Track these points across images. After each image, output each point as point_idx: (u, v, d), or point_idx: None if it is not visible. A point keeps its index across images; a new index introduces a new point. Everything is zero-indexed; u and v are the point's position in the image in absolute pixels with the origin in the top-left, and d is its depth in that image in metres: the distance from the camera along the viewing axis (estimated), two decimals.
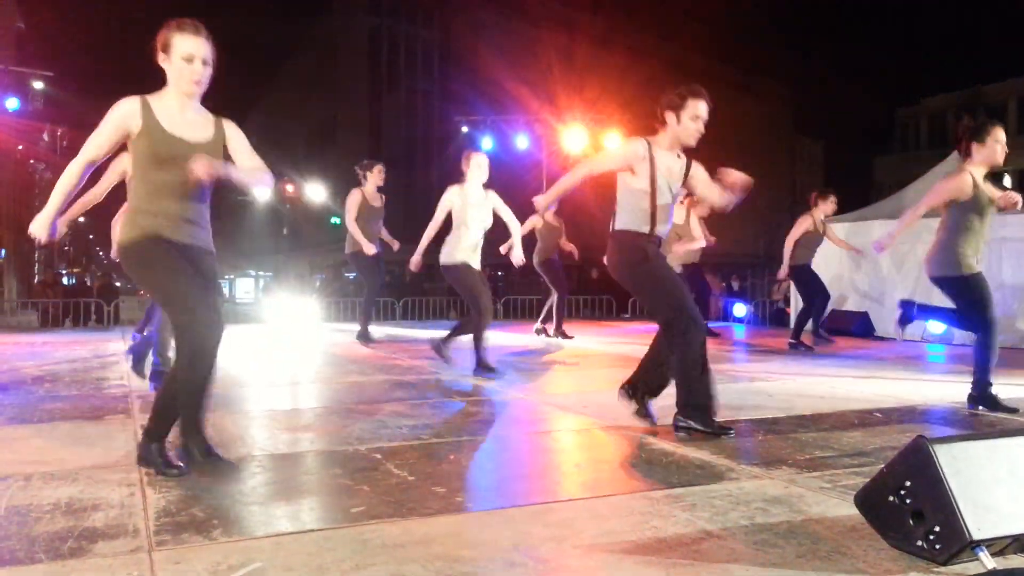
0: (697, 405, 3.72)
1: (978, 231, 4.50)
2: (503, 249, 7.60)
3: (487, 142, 18.10)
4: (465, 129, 18.41)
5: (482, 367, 5.81)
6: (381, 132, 41.53)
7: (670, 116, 3.80)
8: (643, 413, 3.92)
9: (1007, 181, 32.90)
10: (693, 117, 3.77)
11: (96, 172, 4.87)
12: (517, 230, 6.22)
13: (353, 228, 7.79)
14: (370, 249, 7.75)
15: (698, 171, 3.98)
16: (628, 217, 3.85)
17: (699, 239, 9.01)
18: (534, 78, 37.89)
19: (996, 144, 4.44)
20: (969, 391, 4.59)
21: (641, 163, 3.79)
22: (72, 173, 2.91)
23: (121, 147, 3.01)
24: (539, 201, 4.28)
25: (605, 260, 3.99)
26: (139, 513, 2.51)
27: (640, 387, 3.93)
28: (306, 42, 49.05)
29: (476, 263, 5.83)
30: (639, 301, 4.02)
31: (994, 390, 4.51)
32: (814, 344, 8.27)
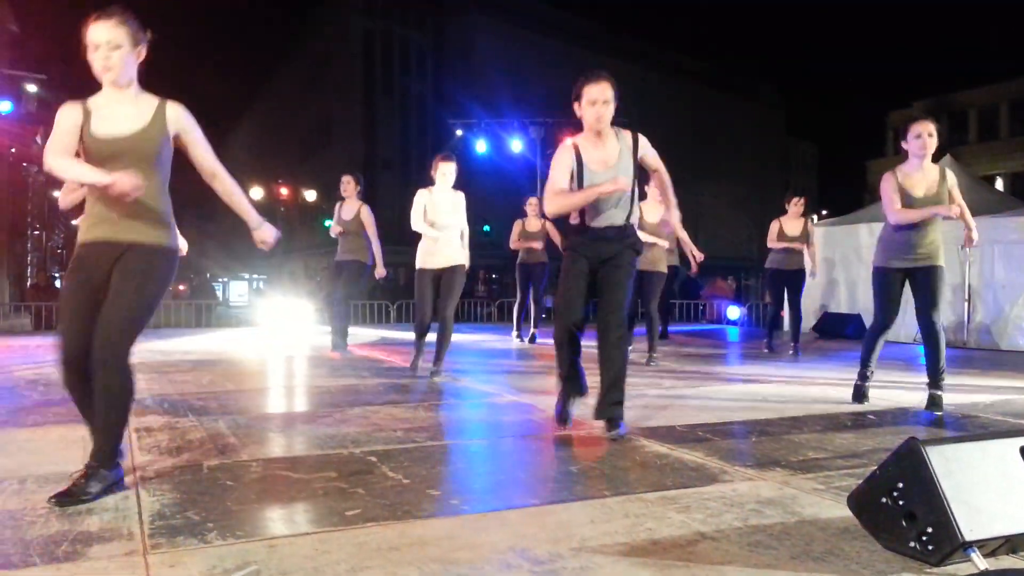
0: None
1: (910, 227, 4.58)
2: None
3: (481, 145, 18.11)
4: (460, 132, 18.39)
5: (412, 366, 6.21)
6: (375, 135, 41.52)
7: (577, 107, 3.80)
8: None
9: (999, 184, 33.06)
10: (590, 102, 3.73)
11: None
12: (464, 233, 6.22)
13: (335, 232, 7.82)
14: (336, 228, 7.64)
15: (645, 146, 3.87)
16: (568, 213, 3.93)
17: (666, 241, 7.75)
18: (528, 81, 37.94)
19: (917, 139, 4.59)
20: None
21: (574, 163, 3.80)
22: (64, 157, 2.77)
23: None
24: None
25: None
26: (133, 516, 2.51)
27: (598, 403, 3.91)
28: (300, 45, 49.03)
29: (434, 264, 5.89)
30: None
31: (867, 384, 4.89)
32: (766, 347, 8.28)
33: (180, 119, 2.95)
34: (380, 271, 7.58)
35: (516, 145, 18.39)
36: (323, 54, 44.82)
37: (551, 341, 4.07)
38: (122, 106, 2.87)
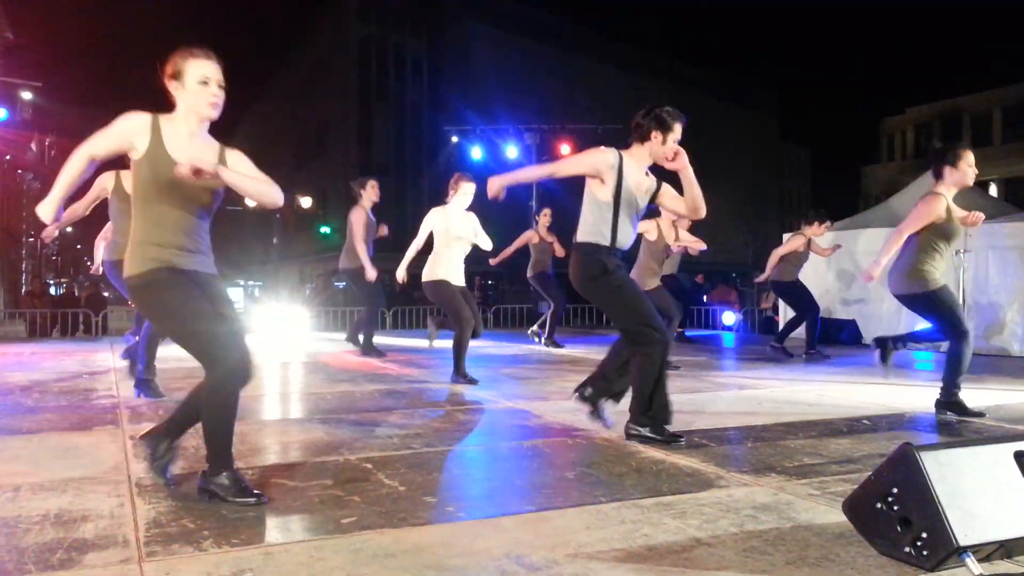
0: (650, 414, 3.81)
1: (944, 252, 4.60)
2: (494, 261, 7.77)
3: (477, 152, 18.14)
4: (455, 139, 18.43)
5: (460, 375, 6.02)
6: (371, 141, 41.53)
7: (656, 135, 3.82)
8: (597, 415, 4.02)
9: (992, 190, 33.20)
10: (675, 140, 3.83)
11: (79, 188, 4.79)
12: (490, 247, 6.31)
13: (361, 250, 7.57)
14: (371, 274, 7.55)
15: (668, 190, 4.01)
16: (590, 229, 3.86)
17: (698, 242, 7.93)
18: (524, 88, 38.01)
19: (968, 168, 4.57)
20: (937, 396, 4.68)
21: (610, 173, 3.79)
22: (76, 164, 2.77)
23: (105, 164, 2.96)
24: (493, 182, 3.93)
25: (569, 272, 4.01)
26: (129, 524, 2.50)
27: (598, 390, 4.02)
28: (296, 52, 49.07)
29: (457, 281, 6.02)
30: (604, 313, 4.10)
31: (962, 395, 4.61)
32: (809, 357, 8.28)
33: (238, 163, 3.00)
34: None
35: (511, 151, 18.42)
36: (319, 60, 44.85)
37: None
38: (194, 139, 2.89)
